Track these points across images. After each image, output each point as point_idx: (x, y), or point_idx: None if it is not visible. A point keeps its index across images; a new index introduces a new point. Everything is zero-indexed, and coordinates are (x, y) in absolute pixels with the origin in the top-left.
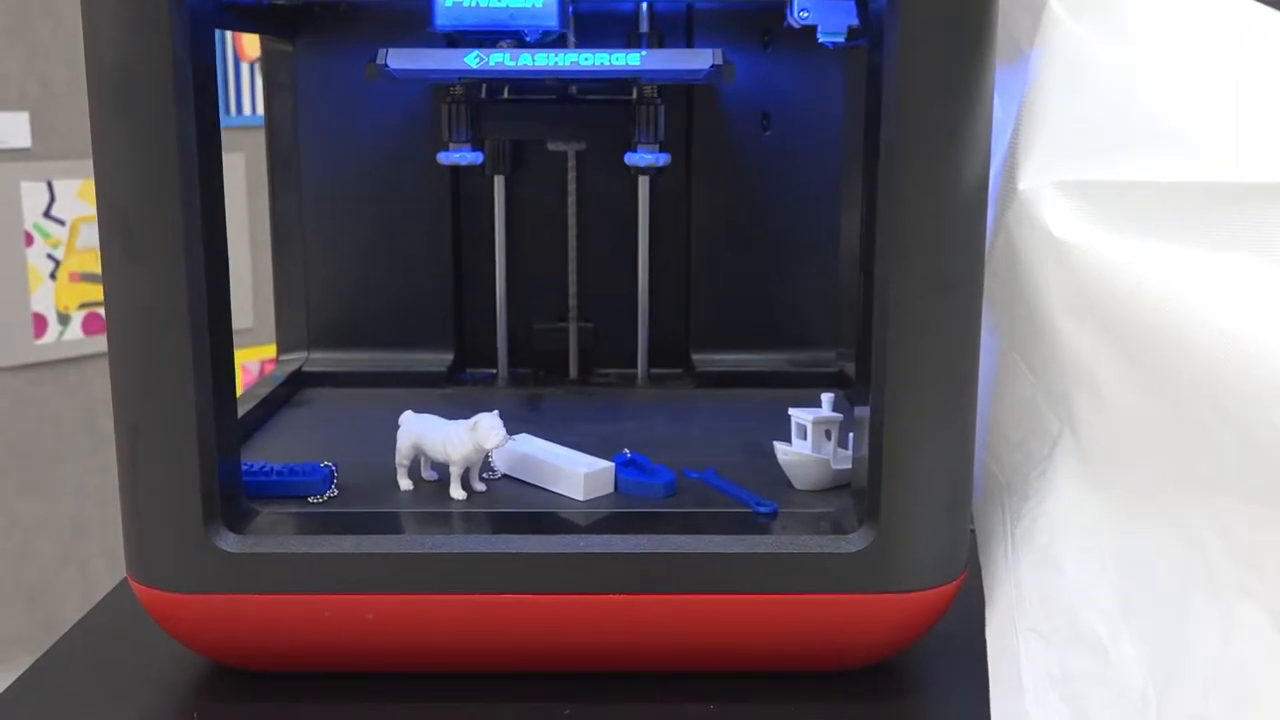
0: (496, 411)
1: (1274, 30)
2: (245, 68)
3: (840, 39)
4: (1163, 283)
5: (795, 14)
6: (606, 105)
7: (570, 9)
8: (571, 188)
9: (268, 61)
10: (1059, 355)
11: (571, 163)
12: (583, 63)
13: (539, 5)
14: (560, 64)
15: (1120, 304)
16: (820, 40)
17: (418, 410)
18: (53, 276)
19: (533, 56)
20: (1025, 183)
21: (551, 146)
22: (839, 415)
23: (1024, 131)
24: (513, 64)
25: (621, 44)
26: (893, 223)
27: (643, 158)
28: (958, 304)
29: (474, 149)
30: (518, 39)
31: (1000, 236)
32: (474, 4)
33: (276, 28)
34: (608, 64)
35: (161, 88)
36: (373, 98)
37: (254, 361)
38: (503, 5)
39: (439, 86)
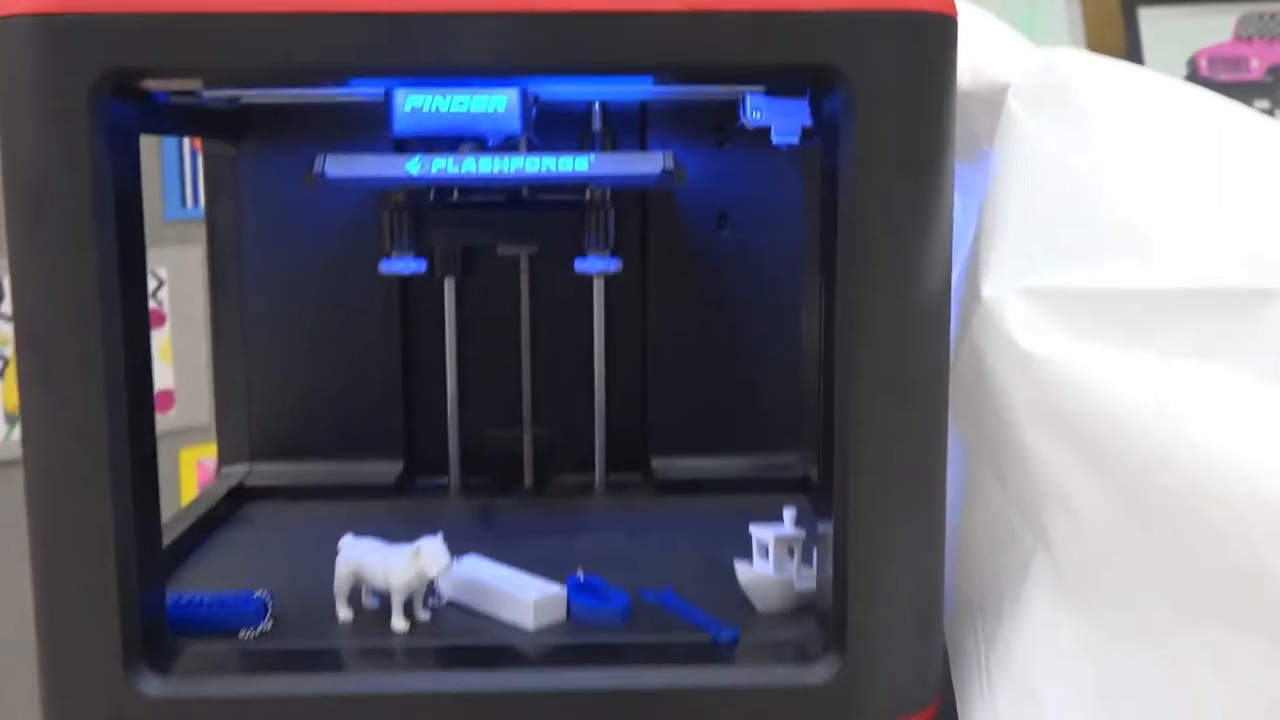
0: (441, 535)
1: (1234, 121)
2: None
3: (794, 139)
4: (1134, 394)
5: (748, 114)
6: (556, 209)
7: (533, 112)
8: (524, 290)
9: (209, 163)
10: (1030, 468)
11: (524, 265)
12: (529, 169)
13: (500, 110)
14: (507, 170)
15: (1090, 416)
16: (774, 141)
17: (363, 527)
18: (1, 375)
19: (477, 162)
20: (989, 289)
21: (502, 251)
22: (801, 532)
23: (986, 234)
24: (456, 170)
25: (574, 141)
26: (851, 328)
27: (593, 264)
28: (922, 413)
29: (418, 256)
30: (479, 142)
31: (965, 344)
32: (434, 109)
33: (217, 130)
34: (556, 170)
35: (78, 200)
36: (317, 199)
37: (212, 459)
38: (463, 110)
39: (382, 192)
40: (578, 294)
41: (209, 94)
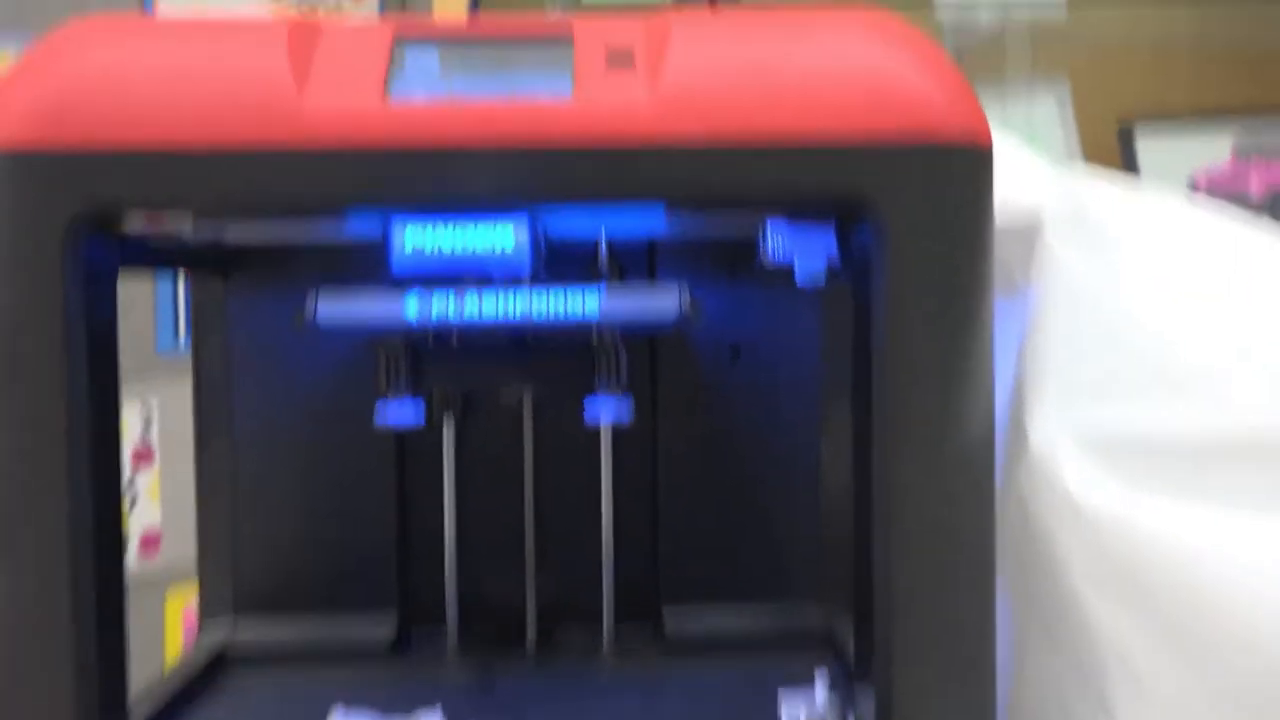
0: (439, 708)
1: (1265, 252)
2: None
3: (819, 280)
4: (1195, 549)
5: (770, 249)
6: (563, 350)
7: (543, 249)
8: (528, 433)
9: (197, 298)
10: (1086, 629)
11: (527, 406)
12: (536, 309)
13: (508, 249)
14: (511, 310)
15: (1154, 576)
16: (799, 281)
17: (356, 695)
18: None
19: (480, 302)
20: (1037, 435)
21: (505, 395)
22: (835, 704)
23: (1029, 376)
24: (458, 311)
25: (579, 275)
26: (889, 479)
27: (603, 408)
28: (968, 571)
29: (416, 401)
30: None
31: (1011, 495)
32: (435, 250)
33: (205, 265)
34: (564, 309)
35: (49, 349)
36: (311, 337)
37: None
38: (468, 250)
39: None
40: (583, 435)
41: (196, 233)
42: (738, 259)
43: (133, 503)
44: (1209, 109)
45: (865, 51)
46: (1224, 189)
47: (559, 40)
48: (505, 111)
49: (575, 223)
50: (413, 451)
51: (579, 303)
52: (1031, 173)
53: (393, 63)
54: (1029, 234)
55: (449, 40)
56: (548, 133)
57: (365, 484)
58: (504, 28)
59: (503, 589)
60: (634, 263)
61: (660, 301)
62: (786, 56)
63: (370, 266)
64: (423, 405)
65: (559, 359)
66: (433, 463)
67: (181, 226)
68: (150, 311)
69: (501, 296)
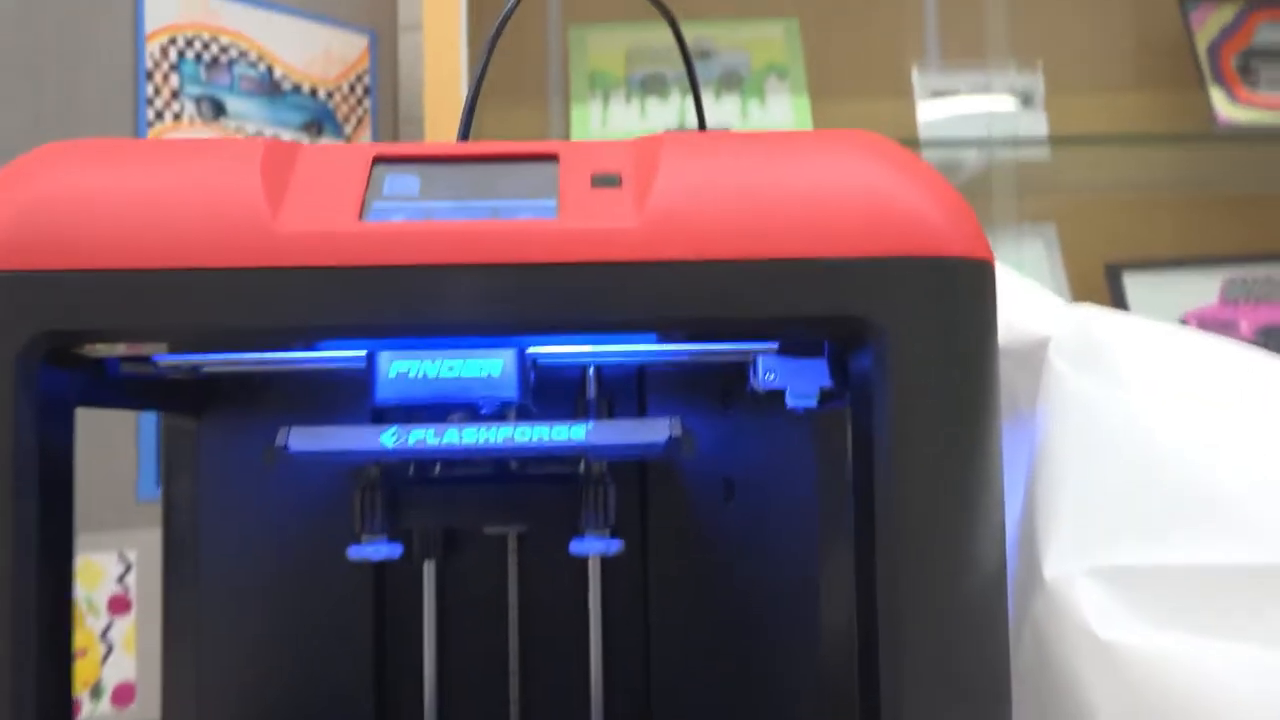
0: None
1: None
2: None
3: (811, 403)
4: (1233, 690)
5: (760, 377)
6: (548, 485)
7: (531, 377)
8: (512, 573)
9: (168, 437)
10: None
11: (512, 545)
12: (520, 439)
13: (496, 375)
14: (494, 440)
15: (1182, 714)
16: (790, 405)
17: None
18: None
19: (460, 433)
20: (1052, 569)
21: (489, 531)
22: None
23: (1041, 507)
24: (437, 442)
25: (566, 409)
26: (896, 619)
27: (591, 545)
28: (982, 709)
29: (393, 539)
30: (470, 411)
31: (1027, 633)
32: (421, 375)
33: (176, 402)
34: (549, 439)
35: None
36: (285, 477)
37: None
38: (453, 376)
39: (354, 469)
40: (571, 576)
41: (164, 362)
42: (730, 390)
43: (108, 653)
44: (1196, 253)
45: (859, 169)
46: (1213, 330)
47: (544, 161)
48: (485, 230)
49: (561, 347)
50: (391, 592)
51: (565, 431)
52: (1034, 298)
53: (371, 184)
54: (1033, 357)
55: (430, 161)
56: (530, 252)
57: (341, 631)
58: (487, 149)
59: None
60: (624, 394)
61: (651, 429)
62: (779, 175)
63: (348, 404)
64: (399, 546)
65: (545, 494)
66: (412, 604)
67: (152, 357)
68: (133, 458)
69: (483, 427)
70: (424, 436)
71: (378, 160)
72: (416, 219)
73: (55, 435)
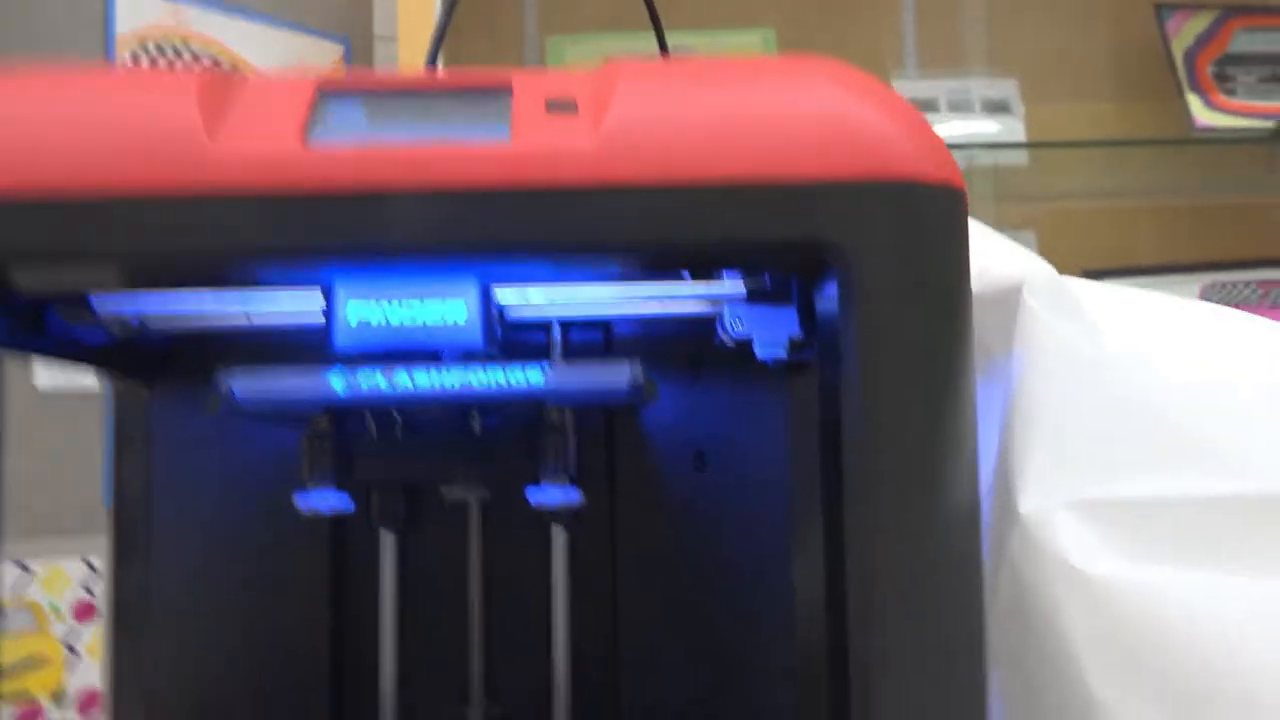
0: None
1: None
2: None
3: (781, 352)
4: (1216, 619)
5: (728, 325)
6: (507, 438)
7: (497, 329)
8: (475, 543)
9: (117, 410)
10: (1092, 714)
11: (475, 513)
12: (475, 383)
13: (461, 321)
14: (448, 385)
15: (1173, 654)
16: (759, 355)
17: None
18: None
19: (413, 376)
20: (1028, 504)
21: (449, 495)
22: None
23: (1017, 444)
24: (388, 385)
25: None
26: (868, 563)
27: (550, 495)
28: (960, 671)
29: (342, 491)
30: (433, 360)
31: (1004, 574)
32: (383, 322)
33: (126, 367)
34: (505, 383)
35: None
36: (241, 452)
37: None
38: (417, 323)
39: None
40: (537, 550)
41: (105, 313)
42: (699, 357)
43: (73, 660)
44: (1175, 259)
45: (824, 94)
46: None
47: (496, 90)
48: (435, 154)
49: (527, 300)
50: (349, 564)
51: (522, 374)
52: (1007, 248)
53: (314, 111)
54: (1008, 302)
55: (376, 91)
56: (482, 175)
57: (296, 610)
58: (436, 79)
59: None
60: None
61: (611, 373)
62: (740, 97)
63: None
64: (347, 498)
65: (505, 449)
66: (370, 577)
67: (88, 299)
68: (97, 462)
69: (437, 370)
70: (375, 380)
71: (322, 89)
72: (362, 145)
73: None
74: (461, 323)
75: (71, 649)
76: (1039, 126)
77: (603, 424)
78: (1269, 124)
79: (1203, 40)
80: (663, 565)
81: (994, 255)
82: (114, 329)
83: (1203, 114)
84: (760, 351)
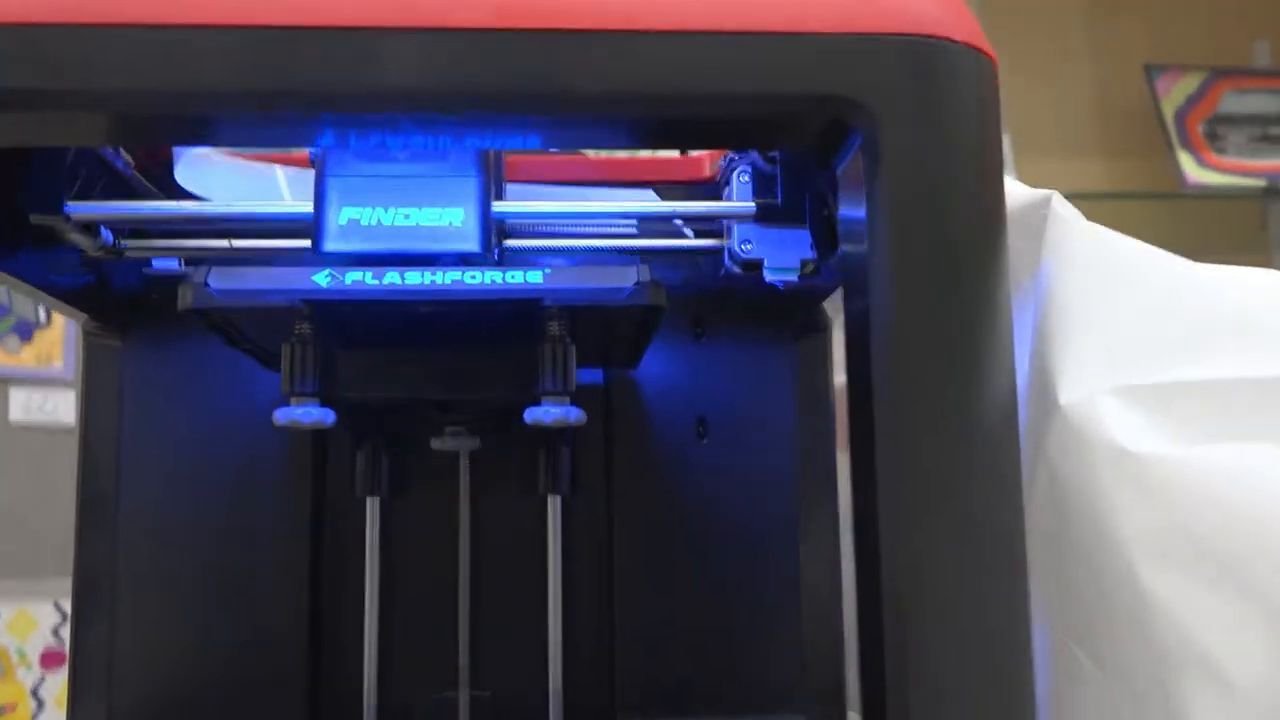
0: None
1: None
2: None
3: (792, 277)
4: (1273, 493)
5: (737, 246)
6: (499, 351)
7: (493, 237)
8: (464, 514)
9: (88, 358)
10: (1146, 627)
11: (464, 476)
12: (470, 281)
13: (457, 224)
14: (440, 282)
15: (1236, 536)
16: (768, 279)
17: None
18: None
19: (403, 275)
20: (1068, 395)
21: (437, 445)
22: None
23: (1054, 342)
24: (375, 283)
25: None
26: (902, 466)
27: (549, 412)
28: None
29: (324, 405)
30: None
31: (1040, 475)
32: (374, 222)
33: (99, 306)
34: (503, 283)
35: None
36: (219, 410)
37: None
38: (410, 224)
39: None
40: (529, 520)
41: (76, 213)
42: (702, 317)
43: (38, 709)
44: None
45: None
46: None
47: None
48: None
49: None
50: (331, 539)
51: (520, 275)
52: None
53: None
54: (1034, 215)
55: None
56: (479, 16)
57: (271, 582)
58: None
59: (432, 706)
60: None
61: (614, 276)
62: None
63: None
64: (330, 413)
65: (495, 364)
66: (353, 549)
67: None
68: (70, 501)
69: (429, 270)
70: (362, 278)
71: None
72: None
73: None
74: (458, 225)
75: (37, 698)
76: (1030, 182)
77: (600, 391)
78: (1260, 182)
79: (1193, 100)
80: (662, 538)
81: (1015, 183)
82: (90, 252)
83: (1194, 171)
84: (771, 275)
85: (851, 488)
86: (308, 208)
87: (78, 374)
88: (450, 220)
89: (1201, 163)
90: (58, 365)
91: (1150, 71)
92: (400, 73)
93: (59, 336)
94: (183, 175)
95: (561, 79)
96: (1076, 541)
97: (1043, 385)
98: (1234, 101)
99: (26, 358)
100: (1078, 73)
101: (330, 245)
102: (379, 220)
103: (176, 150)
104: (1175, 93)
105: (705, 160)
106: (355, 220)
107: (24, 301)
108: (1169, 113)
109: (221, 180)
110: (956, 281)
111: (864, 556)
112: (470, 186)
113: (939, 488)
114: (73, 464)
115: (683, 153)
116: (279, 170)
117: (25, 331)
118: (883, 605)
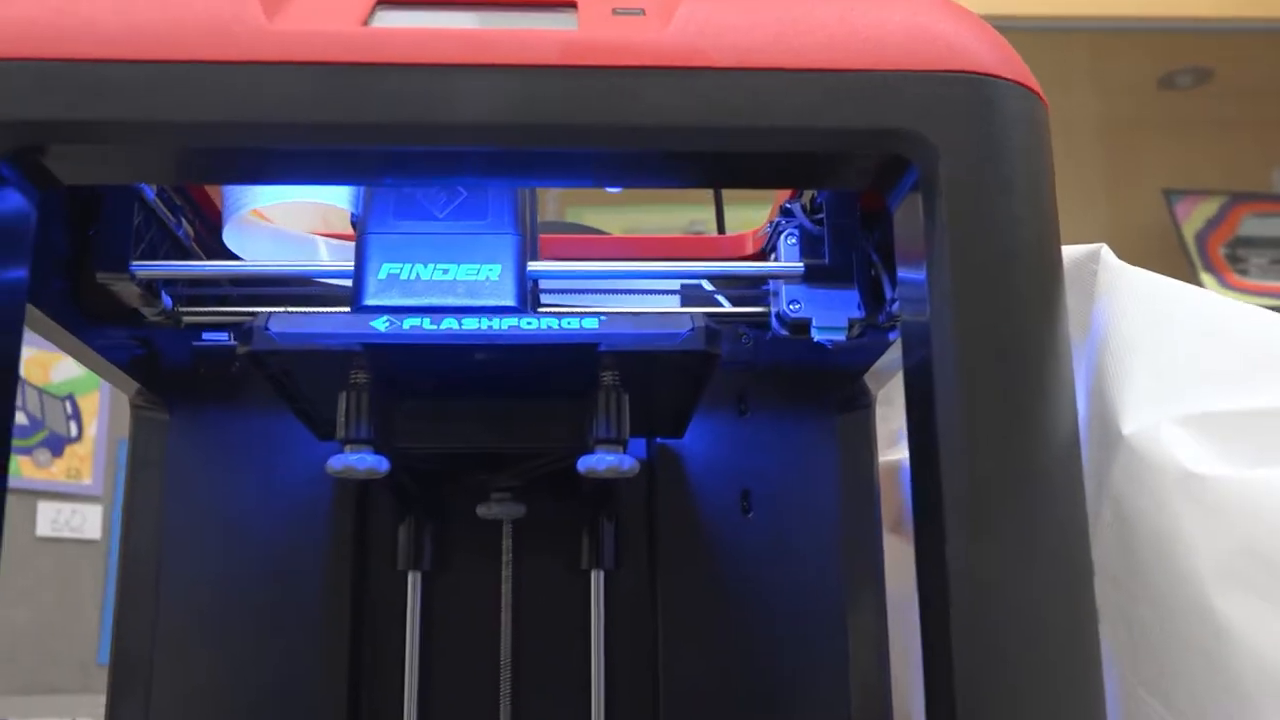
0: None
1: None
2: None
3: (840, 336)
4: None
5: (785, 307)
6: (551, 402)
7: (529, 290)
8: (506, 586)
9: (135, 430)
10: (1219, 659)
11: (507, 548)
12: (523, 326)
13: (494, 278)
14: (496, 329)
15: None
16: (816, 339)
17: None
18: None
19: (459, 321)
20: (1131, 425)
21: (482, 512)
22: None
23: (1112, 376)
24: (433, 328)
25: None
26: (968, 501)
27: (602, 459)
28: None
29: (377, 452)
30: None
31: (1105, 511)
32: (413, 277)
33: (148, 375)
34: (558, 329)
35: None
36: (262, 485)
37: None
38: (447, 278)
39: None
40: (573, 596)
41: (141, 272)
42: (746, 392)
43: None
44: None
45: (897, 0)
46: None
47: (561, 8)
48: (499, 34)
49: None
50: (373, 618)
51: (575, 322)
52: None
53: (374, 12)
54: (1084, 270)
55: (437, 5)
56: (546, 55)
57: (313, 662)
58: None
59: None
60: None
61: (669, 322)
62: (813, 2)
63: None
64: (385, 460)
65: (548, 414)
66: (395, 629)
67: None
68: (96, 620)
69: (484, 317)
70: (420, 323)
71: (381, 2)
72: (424, 28)
73: (8, 255)
74: (495, 279)
75: None
76: None
77: (644, 465)
78: None
79: (1213, 224)
80: (706, 615)
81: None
82: (149, 317)
83: (1219, 293)
84: (819, 335)
85: (915, 533)
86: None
87: (106, 490)
88: (487, 275)
89: (1225, 284)
90: (87, 481)
91: (1169, 196)
92: (467, 109)
93: (89, 451)
94: (230, 238)
95: (625, 115)
96: (1145, 578)
97: (1103, 420)
98: (1254, 225)
99: (56, 472)
100: (1096, 197)
101: (370, 299)
102: (417, 275)
103: (225, 212)
104: (1195, 216)
105: (748, 237)
106: (394, 275)
107: (56, 415)
108: (1190, 236)
109: (265, 247)
110: (1019, 315)
111: (932, 606)
112: (507, 244)
113: (1008, 531)
114: (97, 579)
115: (721, 230)
116: (320, 241)
117: (56, 446)
118: (953, 656)
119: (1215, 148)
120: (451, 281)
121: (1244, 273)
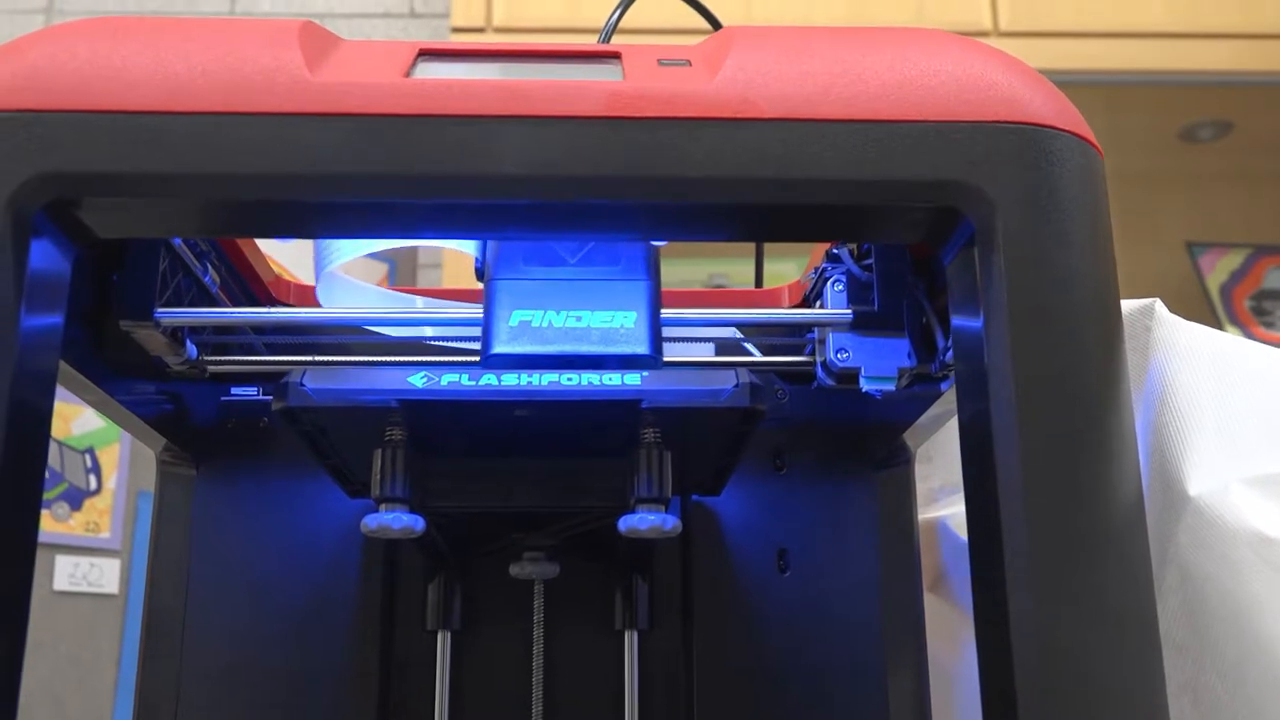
0: None
1: None
2: None
3: (890, 386)
4: None
5: (833, 355)
6: (591, 461)
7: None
8: (538, 646)
9: (161, 487)
10: None
11: (539, 608)
12: (566, 383)
13: (629, 325)
14: (537, 384)
15: None
16: (864, 389)
17: None
18: None
19: (498, 377)
20: (1198, 487)
21: (515, 571)
22: None
23: (1173, 438)
24: (471, 384)
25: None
26: (1028, 561)
27: (644, 519)
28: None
29: (413, 513)
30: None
31: (1170, 575)
32: (545, 324)
33: (175, 429)
34: (601, 385)
35: None
36: (290, 542)
37: None
38: (581, 325)
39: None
40: (604, 655)
41: (166, 319)
42: (782, 449)
43: None
44: None
45: (946, 50)
46: None
47: (605, 55)
48: (543, 85)
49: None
50: (400, 673)
51: (618, 377)
52: None
53: (415, 63)
54: (1137, 325)
55: (479, 56)
56: (594, 106)
57: (340, 712)
58: (543, 47)
59: None
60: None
61: (714, 378)
62: (861, 49)
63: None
64: (420, 520)
65: (586, 473)
66: (424, 687)
67: (154, 313)
68: (109, 673)
69: (525, 373)
70: (457, 379)
71: (424, 51)
72: (467, 80)
73: (41, 308)
74: (630, 327)
75: None
76: None
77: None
78: None
79: (1238, 276)
80: (742, 676)
81: None
82: (174, 367)
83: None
84: (867, 384)
85: (974, 594)
86: (397, 314)
87: (125, 543)
88: (623, 323)
89: (1251, 338)
90: (105, 534)
91: (1192, 249)
92: (512, 161)
93: (108, 505)
94: (324, 294)
95: (673, 167)
96: (1215, 646)
97: (1165, 481)
98: (1278, 278)
99: (75, 525)
100: (1117, 250)
101: (500, 347)
102: (550, 322)
103: (316, 266)
104: (1219, 269)
105: (783, 291)
106: (526, 322)
107: (75, 468)
108: (1214, 288)
109: (356, 300)
110: (1082, 370)
111: (995, 669)
112: (641, 290)
113: (1076, 594)
114: (114, 634)
115: (758, 283)
116: (419, 300)
117: (75, 499)
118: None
119: (1238, 200)
120: (585, 329)
121: (1270, 325)
